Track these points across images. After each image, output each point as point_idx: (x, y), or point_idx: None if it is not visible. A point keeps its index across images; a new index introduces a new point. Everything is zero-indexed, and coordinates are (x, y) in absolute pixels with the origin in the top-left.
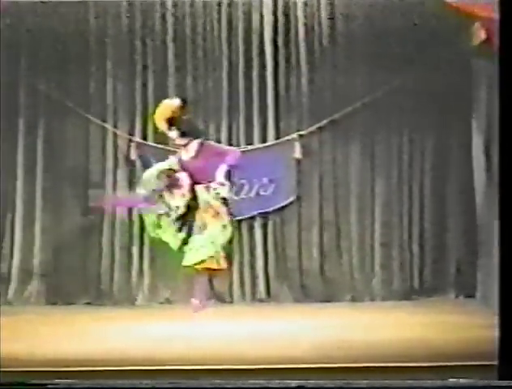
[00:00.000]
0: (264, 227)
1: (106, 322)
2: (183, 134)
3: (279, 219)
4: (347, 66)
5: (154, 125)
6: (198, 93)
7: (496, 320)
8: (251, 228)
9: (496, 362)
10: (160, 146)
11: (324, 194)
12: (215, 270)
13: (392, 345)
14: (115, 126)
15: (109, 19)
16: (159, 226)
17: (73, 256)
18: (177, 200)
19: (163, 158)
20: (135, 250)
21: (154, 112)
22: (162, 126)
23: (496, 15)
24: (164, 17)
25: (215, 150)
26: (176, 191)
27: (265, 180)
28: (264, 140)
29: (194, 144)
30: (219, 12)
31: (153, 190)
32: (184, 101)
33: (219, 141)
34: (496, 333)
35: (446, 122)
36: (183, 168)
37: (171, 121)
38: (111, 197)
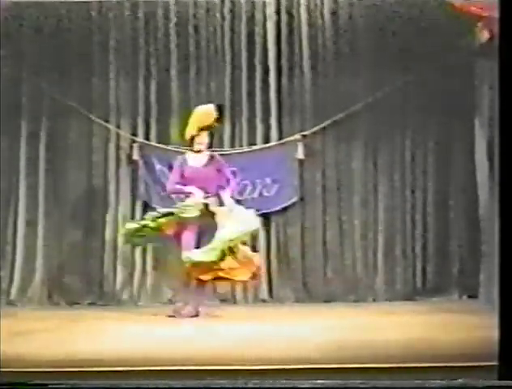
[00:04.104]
0: (267, 227)
1: (109, 322)
2: (211, 141)
3: (282, 219)
4: (350, 67)
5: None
6: (201, 94)
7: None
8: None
9: (496, 362)
10: (162, 146)
11: (327, 195)
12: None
13: (395, 346)
14: (118, 127)
15: (112, 19)
16: None
17: (76, 256)
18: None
19: (166, 158)
20: (138, 250)
21: (184, 118)
22: (194, 132)
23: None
24: (167, 18)
25: (221, 167)
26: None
27: (268, 180)
28: (267, 141)
29: (206, 154)
30: (222, 14)
31: None
32: (219, 108)
33: (221, 142)
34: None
35: (449, 123)
36: (190, 174)
37: (207, 127)
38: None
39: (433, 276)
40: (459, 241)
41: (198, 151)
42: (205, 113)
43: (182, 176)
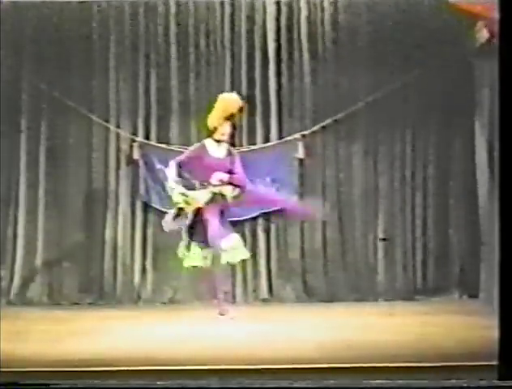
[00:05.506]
0: (267, 227)
1: (109, 322)
2: (234, 132)
3: (282, 219)
4: (350, 66)
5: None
6: (201, 93)
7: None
8: (254, 228)
9: (496, 362)
10: (162, 146)
11: (327, 194)
12: None
13: (395, 345)
14: (118, 126)
15: (112, 18)
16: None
17: (76, 256)
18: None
19: (166, 158)
20: (138, 249)
21: (209, 106)
22: (218, 120)
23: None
24: (167, 17)
25: (233, 162)
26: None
27: (268, 180)
28: (267, 140)
29: (225, 146)
30: (222, 13)
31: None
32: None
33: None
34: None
35: (449, 122)
36: (208, 163)
37: (230, 117)
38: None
39: (433, 276)
40: (459, 241)
41: (218, 141)
42: (230, 100)
43: (201, 163)
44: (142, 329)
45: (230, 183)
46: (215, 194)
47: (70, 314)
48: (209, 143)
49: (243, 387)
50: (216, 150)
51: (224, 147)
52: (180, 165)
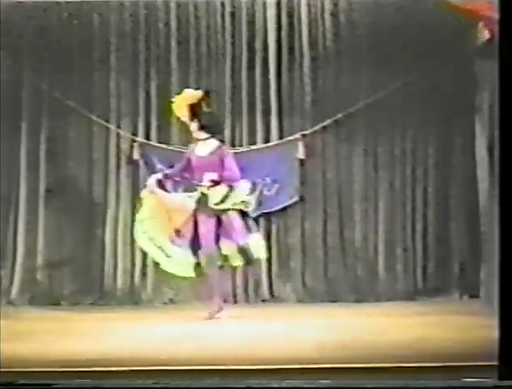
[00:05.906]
0: (267, 227)
1: (109, 322)
2: (202, 128)
3: (283, 219)
4: (351, 67)
5: (173, 113)
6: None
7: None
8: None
9: (496, 362)
10: (162, 146)
11: (327, 195)
12: None
13: (395, 346)
14: (118, 126)
15: (113, 18)
16: None
17: (76, 256)
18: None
19: (166, 158)
20: (138, 250)
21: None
22: (182, 113)
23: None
24: (167, 17)
25: (223, 157)
26: None
27: (268, 180)
28: (267, 140)
29: (214, 143)
30: (223, 13)
31: None
32: (207, 93)
33: (222, 141)
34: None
35: (450, 123)
36: (196, 163)
37: (193, 113)
38: None
39: (433, 276)
40: (460, 241)
41: (205, 139)
42: (186, 94)
43: (190, 164)
44: (143, 329)
45: (221, 182)
46: (203, 194)
47: (70, 314)
48: (197, 143)
49: (243, 387)
50: (201, 149)
51: (211, 144)
52: (160, 181)
